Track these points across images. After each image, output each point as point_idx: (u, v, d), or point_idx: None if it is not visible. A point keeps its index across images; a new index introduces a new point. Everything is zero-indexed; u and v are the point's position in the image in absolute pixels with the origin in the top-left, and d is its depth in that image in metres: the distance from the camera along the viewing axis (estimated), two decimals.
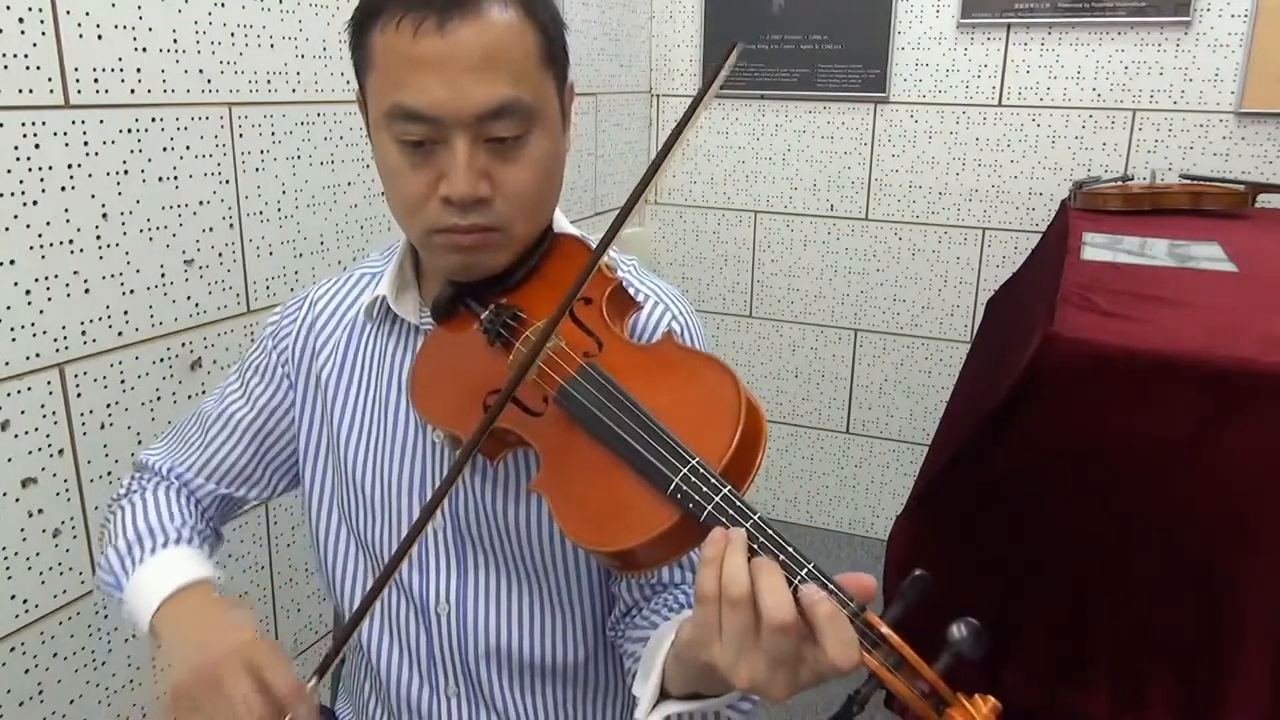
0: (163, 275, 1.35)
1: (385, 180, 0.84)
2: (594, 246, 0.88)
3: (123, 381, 1.31)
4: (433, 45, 0.75)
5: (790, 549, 0.63)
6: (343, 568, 0.96)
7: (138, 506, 0.97)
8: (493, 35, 0.77)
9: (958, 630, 0.59)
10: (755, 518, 0.64)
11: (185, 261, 1.38)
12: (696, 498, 0.64)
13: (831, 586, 0.62)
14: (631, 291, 0.86)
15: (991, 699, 0.59)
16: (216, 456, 1.00)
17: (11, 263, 1.15)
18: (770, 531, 0.63)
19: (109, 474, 1.30)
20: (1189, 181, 2.24)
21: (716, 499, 0.64)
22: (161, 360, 1.36)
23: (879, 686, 0.60)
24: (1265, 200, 2.21)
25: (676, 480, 0.65)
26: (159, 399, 1.37)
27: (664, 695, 0.73)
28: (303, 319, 0.99)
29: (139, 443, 1.34)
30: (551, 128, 0.83)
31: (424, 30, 0.75)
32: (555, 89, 0.84)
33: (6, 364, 1.16)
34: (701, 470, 0.65)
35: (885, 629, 0.61)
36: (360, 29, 0.81)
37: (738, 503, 0.64)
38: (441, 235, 0.81)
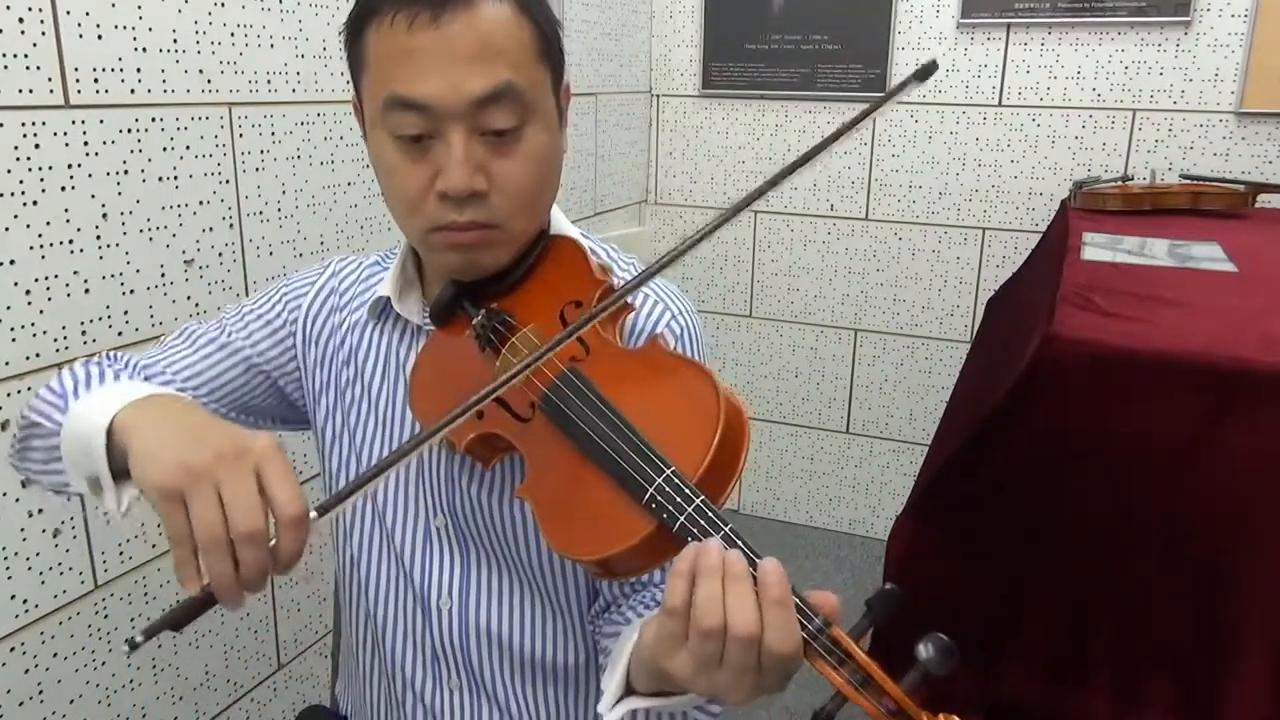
0: (163, 275, 1.35)
1: (382, 180, 0.84)
2: (586, 246, 0.88)
3: None
4: (427, 37, 0.76)
5: (760, 562, 0.63)
6: (360, 545, 0.96)
7: (78, 371, 0.87)
8: (487, 26, 0.77)
9: (924, 649, 0.59)
10: (726, 529, 0.64)
11: (185, 261, 1.38)
12: (670, 508, 0.64)
13: (797, 601, 0.62)
14: (635, 299, 0.86)
15: (956, 718, 0.59)
16: (198, 365, 0.95)
17: (11, 263, 1.15)
18: (740, 544, 0.63)
19: None
20: (1189, 181, 2.24)
21: (689, 509, 0.63)
22: None
23: (845, 703, 0.60)
24: (1265, 200, 2.21)
25: (651, 490, 0.65)
26: None
27: (630, 691, 0.73)
28: (322, 285, 0.99)
29: None
30: (548, 123, 0.83)
31: (418, 24, 0.76)
32: (551, 85, 0.84)
33: (6, 364, 1.16)
34: (676, 480, 0.64)
35: (851, 646, 0.60)
36: (355, 31, 0.81)
37: (709, 514, 0.64)
38: (440, 233, 0.81)
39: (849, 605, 0.64)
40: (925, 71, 0.72)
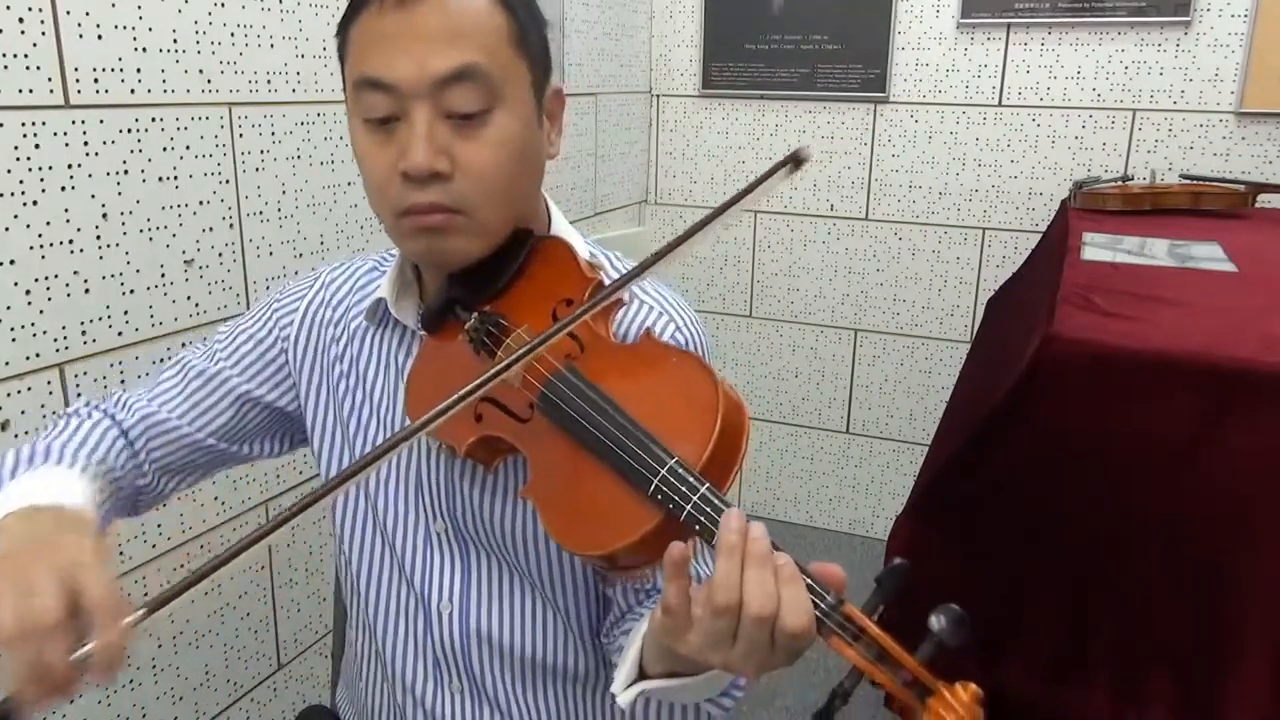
0: (163, 275, 1.35)
1: (360, 167, 0.85)
2: (583, 249, 0.88)
3: (123, 381, 1.31)
4: (394, 19, 0.77)
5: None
6: (361, 552, 0.96)
7: (60, 427, 0.92)
8: (455, 10, 0.78)
9: (937, 620, 0.60)
10: None
11: (185, 261, 1.38)
12: (676, 498, 0.64)
13: (809, 580, 0.62)
14: (626, 295, 0.86)
15: (973, 686, 0.59)
16: (187, 401, 0.97)
17: (11, 263, 1.15)
18: None
19: None
20: (1189, 181, 2.24)
21: (695, 498, 0.64)
22: (161, 360, 1.36)
23: (862, 679, 0.61)
24: (1265, 200, 2.21)
25: (656, 481, 0.65)
26: None
27: (642, 675, 0.74)
28: (312, 298, 0.98)
29: None
30: (521, 112, 0.82)
31: (387, 6, 0.77)
32: (529, 78, 0.83)
33: (6, 364, 1.16)
34: (680, 470, 0.65)
35: (865, 621, 0.61)
36: (343, 32, 0.83)
37: (715, 500, 0.64)
38: (406, 218, 0.81)
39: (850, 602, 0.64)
40: (797, 160, 0.74)
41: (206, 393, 0.97)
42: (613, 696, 0.75)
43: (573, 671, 0.93)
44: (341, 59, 0.84)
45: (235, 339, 0.99)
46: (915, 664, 0.60)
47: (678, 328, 0.88)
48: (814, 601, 0.61)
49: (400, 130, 0.79)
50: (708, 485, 0.64)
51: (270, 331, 0.98)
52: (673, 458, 0.65)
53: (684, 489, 0.64)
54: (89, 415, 0.94)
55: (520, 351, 0.72)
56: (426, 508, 0.92)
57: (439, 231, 0.81)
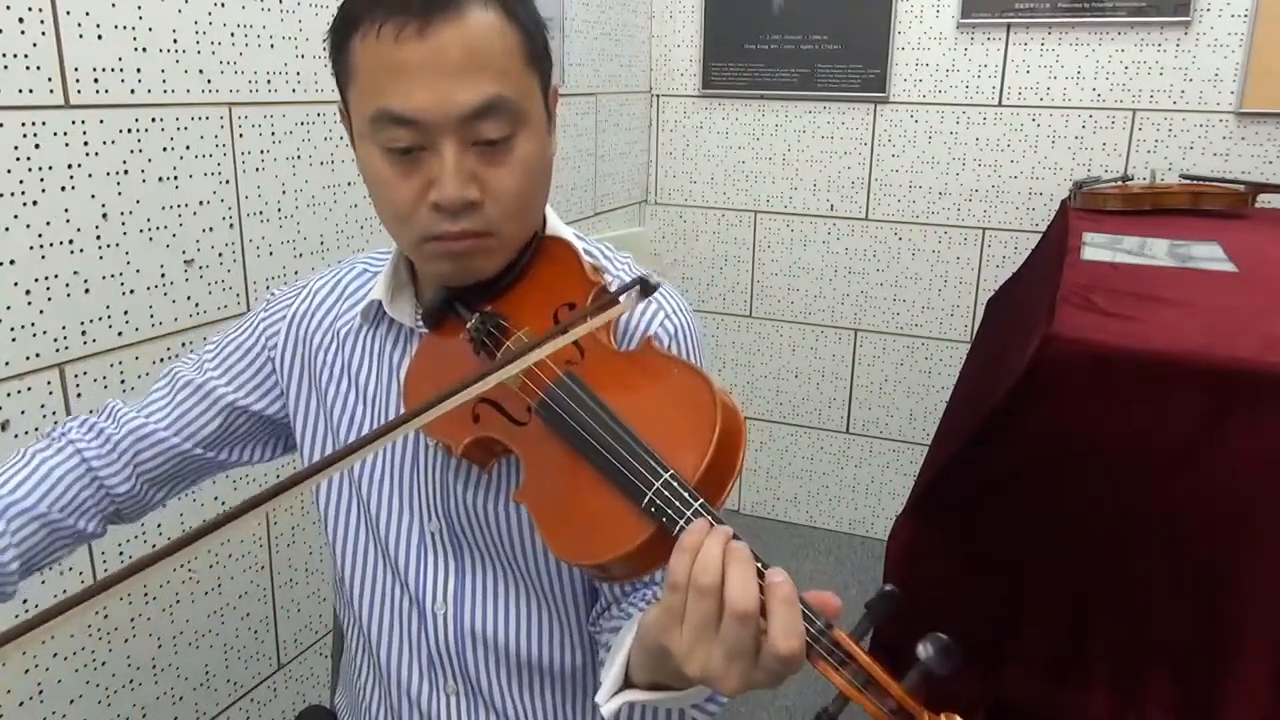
0: (163, 275, 1.35)
1: (372, 190, 0.83)
2: (579, 247, 0.88)
3: (123, 381, 1.31)
4: (415, 50, 0.75)
5: (758, 565, 0.63)
6: (354, 554, 0.96)
7: (17, 465, 0.91)
8: (474, 36, 0.76)
9: (924, 649, 0.60)
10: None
11: (185, 261, 1.38)
12: (670, 513, 0.64)
13: (799, 606, 0.62)
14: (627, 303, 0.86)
15: (957, 718, 0.59)
16: (174, 413, 0.97)
17: (11, 263, 1.15)
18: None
19: None
20: (1189, 181, 2.24)
21: (688, 514, 0.64)
22: (161, 360, 1.36)
23: (847, 704, 0.60)
24: (1265, 200, 2.21)
25: (650, 494, 0.65)
26: None
27: (628, 684, 0.73)
28: (298, 308, 0.98)
29: None
30: (538, 129, 0.82)
31: (405, 35, 0.75)
32: (540, 90, 0.83)
33: (6, 364, 1.16)
34: (675, 484, 0.65)
35: (853, 647, 0.61)
36: (340, 39, 0.80)
37: (709, 517, 0.64)
38: (434, 243, 0.81)
39: (849, 606, 0.64)
40: (647, 288, 0.77)
41: (194, 403, 0.97)
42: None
43: (569, 671, 0.93)
44: (340, 72, 0.82)
45: (223, 349, 0.99)
46: (902, 692, 0.59)
47: (667, 315, 0.89)
48: (804, 626, 0.61)
49: (426, 160, 0.78)
50: (701, 501, 0.64)
51: (258, 341, 0.99)
52: (668, 471, 0.65)
53: (678, 503, 0.64)
54: (47, 448, 0.93)
55: (517, 353, 0.72)
56: (421, 507, 0.92)
57: (467, 255, 0.82)
